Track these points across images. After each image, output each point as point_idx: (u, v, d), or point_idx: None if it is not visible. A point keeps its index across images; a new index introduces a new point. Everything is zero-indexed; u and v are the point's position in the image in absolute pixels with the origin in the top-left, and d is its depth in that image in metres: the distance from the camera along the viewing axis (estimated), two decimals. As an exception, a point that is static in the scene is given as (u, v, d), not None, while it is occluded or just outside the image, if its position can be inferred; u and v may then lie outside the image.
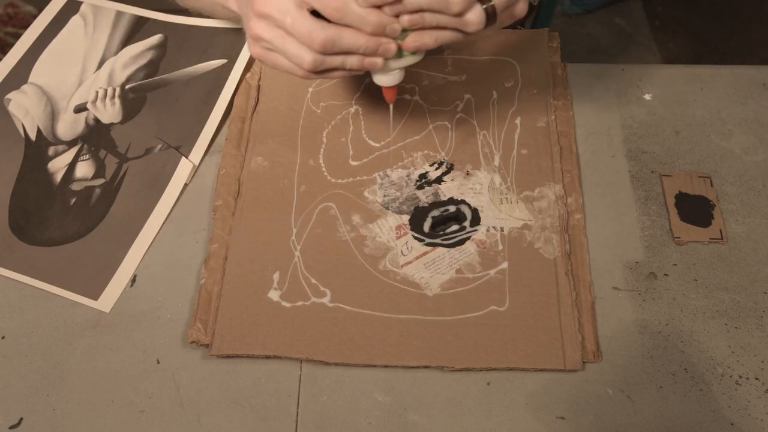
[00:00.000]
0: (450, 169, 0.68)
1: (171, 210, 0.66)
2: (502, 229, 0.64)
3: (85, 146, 0.70)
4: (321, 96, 0.74)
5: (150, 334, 0.60)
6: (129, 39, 0.78)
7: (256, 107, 0.73)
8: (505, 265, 0.62)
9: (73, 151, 0.69)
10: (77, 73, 0.75)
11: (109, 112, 0.72)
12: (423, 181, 0.68)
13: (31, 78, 0.75)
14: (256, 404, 0.56)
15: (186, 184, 0.68)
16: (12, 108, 0.73)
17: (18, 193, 0.66)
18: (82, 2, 0.82)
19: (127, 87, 0.74)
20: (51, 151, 0.69)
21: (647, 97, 0.75)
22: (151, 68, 0.76)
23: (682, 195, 0.67)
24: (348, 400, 0.56)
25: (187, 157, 0.68)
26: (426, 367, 0.57)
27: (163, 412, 0.56)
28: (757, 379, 0.57)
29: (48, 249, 0.63)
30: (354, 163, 0.69)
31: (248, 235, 0.64)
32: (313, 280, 0.61)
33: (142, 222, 0.65)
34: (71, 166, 0.68)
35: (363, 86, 0.75)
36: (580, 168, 0.69)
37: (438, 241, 0.64)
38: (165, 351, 0.59)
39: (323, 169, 0.69)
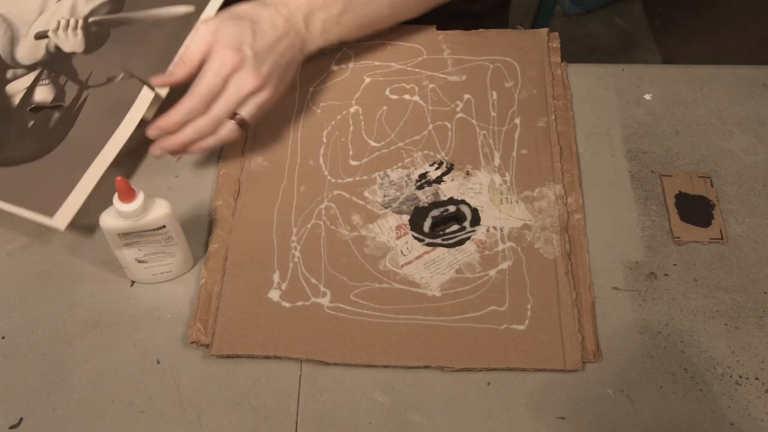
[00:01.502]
0: (450, 169, 0.68)
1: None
2: (502, 229, 0.64)
3: (45, 72, 0.69)
4: (321, 96, 0.74)
5: (150, 334, 0.60)
6: None
7: (256, 107, 0.73)
8: (505, 265, 0.62)
9: (33, 75, 0.69)
10: (39, 1, 0.74)
11: (71, 42, 0.71)
12: (423, 181, 0.68)
13: None
14: (256, 404, 0.56)
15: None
16: None
17: None
18: None
19: (90, 20, 0.73)
20: (9, 74, 0.69)
21: (647, 97, 0.75)
22: (116, 5, 0.74)
23: (682, 195, 0.67)
24: (348, 400, 0.56)
25: (150, 87, 0.67)
26: (426, 367, 0.57)
27: (163, 412, 0.56)
28: (757, 379, 0.57)
29: (4, 169, 0.64)
30: (354, 163, 0.69)
31: (248, 235, 0.64)
32: (313, 280, 0.61)
33: (100, 146, 0.64)
34: (30, 90, 0.68)
35: (363, 86, 0.75)
36: (580, 168, 0.69)
37: (438, 241, 0.64)
38: (165, 351, 0.59)
39: (323, 169, 0.69)
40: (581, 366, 0.57)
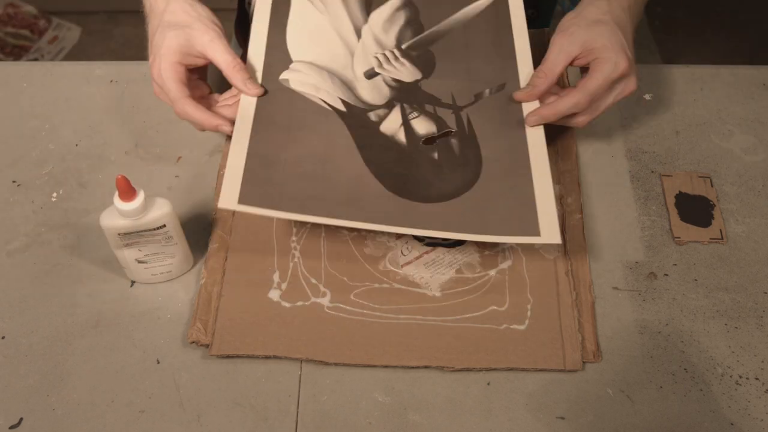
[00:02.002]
0: None
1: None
2: (502, 229, 0.64)
3: (405, 105, 0.66)
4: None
5: (150, 334, 0.60)
6: (368, 5, 0.73)
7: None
8: (505, 265, 0.62)
9: (396, 111, 0.65)
10: (340, 45, 0.70)
11: (405, 72, 0.68)
12: None
13: (294, 57, 0.69)
14: (256, 404, 0.56)
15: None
16: (296, 86, 0.66)
17: (372, 160, 0.62)
18: None
19: (404, 47, 0.70)
20: (372, 116, 0.65)
21: (647, 97, 0.75)
22: (415, 25, 0.72)
23: (682, 195, 0.67)
24: (348, 400, 0.56)
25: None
26: (426, 367, 0.57)
27: (163, 412, 0.56)
28: (757, 379, 0.57)
29: (450, 203, 0.60)
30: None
31: (248, 235, 0.64)
32: (313, 280, 0.61)
33: (526, 156, 0.62)
34: (406, 125, 0.64)
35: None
36: (580, 168, 0.69)
37: (438, 241, 0.64)
38: (165, 351, 0.59)
39: (323, 169, 0.69)
40: (581, 366, 0.57)
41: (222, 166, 0.68)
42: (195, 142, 0.72)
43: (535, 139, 0.63)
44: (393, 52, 0.70)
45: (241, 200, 0.57)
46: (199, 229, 0.65)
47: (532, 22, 0.85)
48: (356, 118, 0.64)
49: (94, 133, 0.73)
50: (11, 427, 0.55)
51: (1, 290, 0.62)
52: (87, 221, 0.66)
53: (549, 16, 1.02)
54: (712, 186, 0.68)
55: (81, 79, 0.77)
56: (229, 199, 0.57)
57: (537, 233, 0.58)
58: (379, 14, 0.73)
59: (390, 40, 0.71)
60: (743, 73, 0.77)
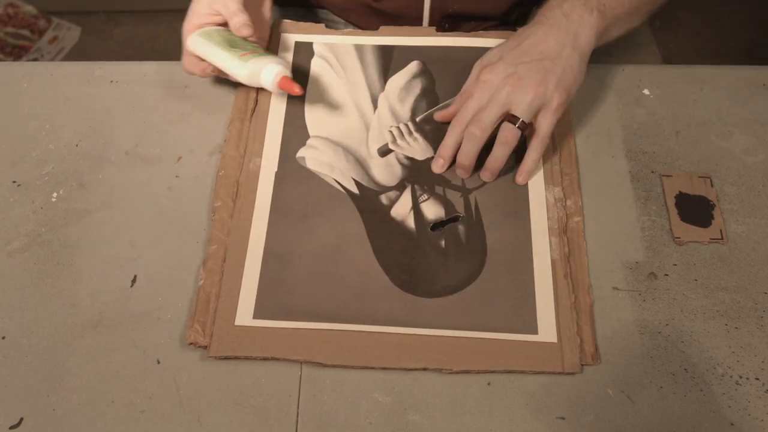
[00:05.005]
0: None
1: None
2: (502, 230, 0.64)
3: (416, 186, 0.66)
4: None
5: (150, 335, 0.60)
6: (385, 71, 0.74)
7: (255, 108, 0.73)
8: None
9: (407, 194, 0.65)
10: (357, 118, 0.71)
11: (417, 148, 0.68)
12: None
13: (311, 132, 0.70)
14: (256, 404, 0.56)
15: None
16: (312, 166, 0.67)
17: (381, 250, 0.62)
18: (311, 43, 0.77)
19: (418, 120, 0.70)
20: (384, 199, 0.65)
21: (646, 92, 0.75)
22: (430, 96, 0.72)
23: (682, 195, 0.67)
24: (348, 400, 0.56)
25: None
26: (425, 369, 0.57)
27: (163, 412, 0.56)
28: (757, 379, 0.57)
29: (451, 297, 0.60)
30: (354, 164, 0.69)
31: (246, 238, 0.64)
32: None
33: (528, 253, 0.62)
34: (416, 209, 0.64)
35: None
36: (580, 168, 0.69)
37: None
38: (165, 351, 0.59)
39: (324, 169, 0.69)
40: (579, 369, 0.57)
41: (221, 168, 0.68)
42: (195, 142, 0.72)
43: (539, 229, 0.64)
44: (407, 126, 0.70)
45: (256, 315, 0.59)
46: (198, 229, 0.65)
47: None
48: (368, 201, 0.65)
49: (94, 133, 0.73)
50: (11, 427, 0.55)
51: (1, 290, 0.62)
52: (87, 221, 0.66)
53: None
54: (712, 186, 0.68)
55: (81, 79, 0.77)
56: (245, 315, 0.59)
57: (535, 331, 0.58)
58: (396, 81, 0.73)
59: (405, 111, 0.71)
60: (743, 73, 0.77)
